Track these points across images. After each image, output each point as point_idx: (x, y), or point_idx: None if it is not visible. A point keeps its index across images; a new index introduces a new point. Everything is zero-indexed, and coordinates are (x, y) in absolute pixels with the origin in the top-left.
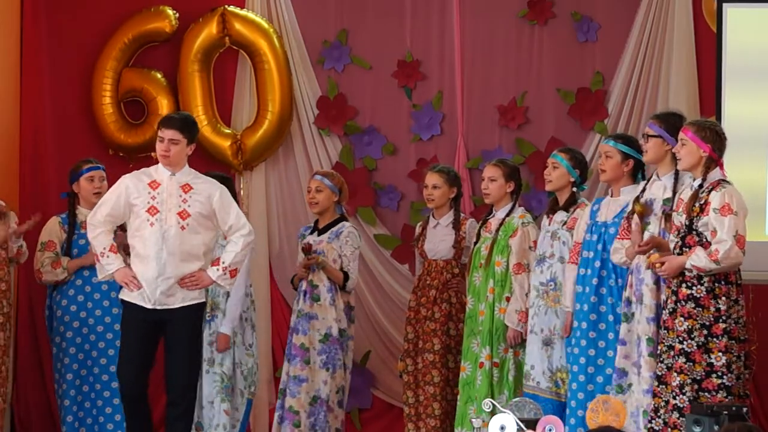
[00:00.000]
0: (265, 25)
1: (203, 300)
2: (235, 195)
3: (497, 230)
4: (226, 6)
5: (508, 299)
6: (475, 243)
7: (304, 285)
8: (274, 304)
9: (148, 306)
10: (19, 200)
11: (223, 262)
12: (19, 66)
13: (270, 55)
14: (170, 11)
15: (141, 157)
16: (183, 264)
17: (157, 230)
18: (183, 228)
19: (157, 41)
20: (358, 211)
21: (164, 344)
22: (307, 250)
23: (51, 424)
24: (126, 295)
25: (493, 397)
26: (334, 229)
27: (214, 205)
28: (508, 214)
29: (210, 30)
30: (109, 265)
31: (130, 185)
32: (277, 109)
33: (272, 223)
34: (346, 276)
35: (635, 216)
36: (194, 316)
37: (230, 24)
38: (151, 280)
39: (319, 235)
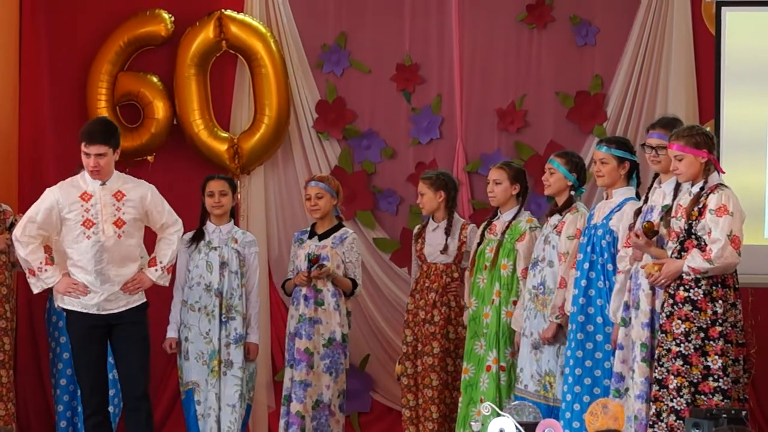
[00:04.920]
0: (262, 29)
1: (145, 300)
2: (237, 198)
3: (503, 233)
4: (223, 10)
5: (515, 303)
6: (479, 244)
7: (304, 290)
8: (272, 308)
9: (92, 312)
10: (18, 204)
11: (161, 262)
12: (18, 69)
13: (267, 59)
14: (166, 15)
15: (137, 161)
16: (122, 269)
17: (95, 242)
18: (120, 236)
19: (152, 45)
20: (357, 215)
21: (113, 350)
22: (315, 262)
23: (50, 428)
24: (66, 303)
25: (500, 401)
26: (336, 234)
27: (147, 206)
28: (514, 217)
29: (207, 34)
30: (48, 279)
31: (61, 199)
32: (274, 113)
33: (271, 227)
34: (354, 283)
35: (641, 230)
36: (139, 318)
37: (227, 28)
38: (93, 289)
39: (319, 240)
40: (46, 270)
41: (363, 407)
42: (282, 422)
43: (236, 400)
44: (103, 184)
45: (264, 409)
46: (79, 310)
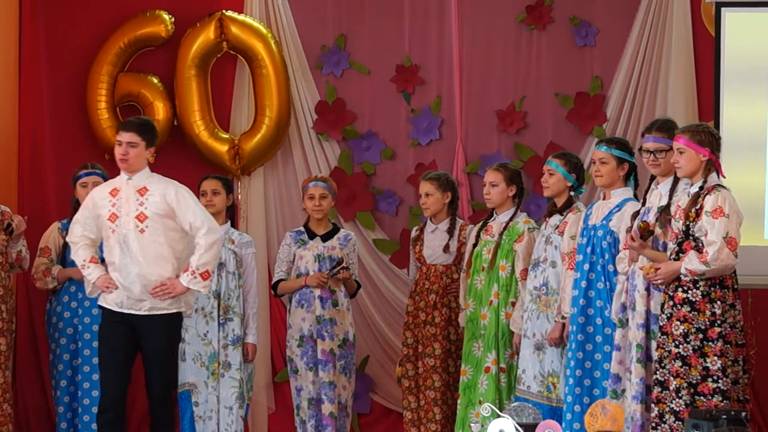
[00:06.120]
0: (263, 30)
1: (175, 310)
2: (233, 199)
3: (501, 234)
4: (224, 11)
5: (513, 304)
6: (474, 245)
7: (319, 291)
8: (272, 309)
9: (117, 309)
10: (18, 205)
11: (190, 266)
12: (17, 71)
13: (267, 60)
14: (166, 15)
15: None
16: (149, 268)
17: (118, 235)
18: (142, 231)
19: (153, 46)
20: (357, 216)
21: (141, 354)
22: (341, 263)
23: (50, 429)
24: (102, 301)
25: (500, 402)
26: (339, 236)
27: (170, 203)
28: (511, 218)
29: (207, 35)
30: (90, 275)
31: (96, 197)
32: (275, 114)
33: (271, 227)
34: (357, 284)
35: (637, 232)
36: (165, 327)
37: (228, 29)
38: (119, 285)
39: (323, 240)
40: (88, 267)
41: (362, 408)
42: (308, 427)
43: (233, 401)
44: (130, 179)
45: (264, 410)
46: (105, 305)
